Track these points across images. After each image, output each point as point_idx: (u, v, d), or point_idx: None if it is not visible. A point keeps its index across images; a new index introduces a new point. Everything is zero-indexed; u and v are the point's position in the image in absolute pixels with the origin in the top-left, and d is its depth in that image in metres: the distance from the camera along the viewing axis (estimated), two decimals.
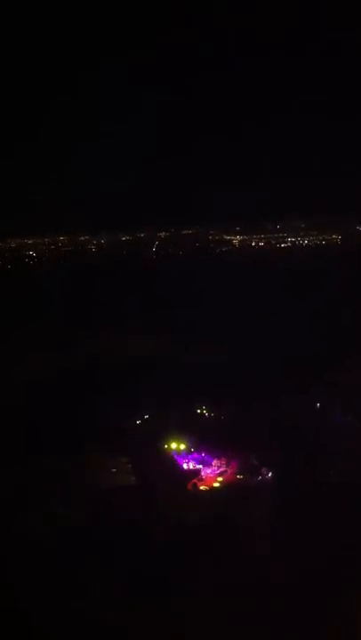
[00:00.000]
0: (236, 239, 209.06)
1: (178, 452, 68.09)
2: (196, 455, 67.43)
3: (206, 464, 66.57)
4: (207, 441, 68.28)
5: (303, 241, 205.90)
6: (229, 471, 65.27)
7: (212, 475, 65.17)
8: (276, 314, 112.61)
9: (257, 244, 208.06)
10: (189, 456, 67.55)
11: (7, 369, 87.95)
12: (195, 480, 63.88)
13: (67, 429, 67.27)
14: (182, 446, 68.40)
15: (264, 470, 63.42)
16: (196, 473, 64.97)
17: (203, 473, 65.30)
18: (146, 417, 74.35)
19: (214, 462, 66.50)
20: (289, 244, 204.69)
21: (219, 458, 66.51)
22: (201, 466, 66.28)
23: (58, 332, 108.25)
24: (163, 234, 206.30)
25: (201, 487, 62.84)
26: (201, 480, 64.14)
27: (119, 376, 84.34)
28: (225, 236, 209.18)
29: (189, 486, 62.35)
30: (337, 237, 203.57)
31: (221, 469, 65.68)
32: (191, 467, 66.11)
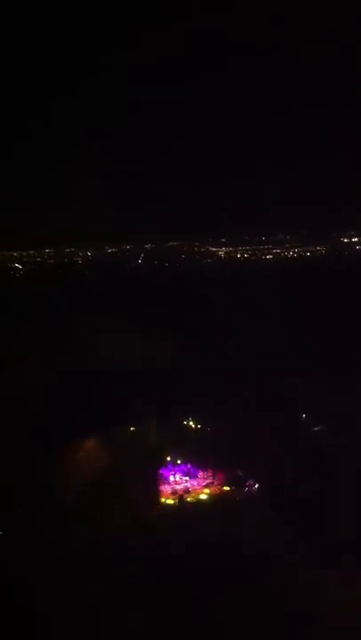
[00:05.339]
0: (222, 251, 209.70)
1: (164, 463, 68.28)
2: (182, 467, 67.65)
3: (193, 476, 66.86)
4: (194, 453, 68.69)
5: (288, 252, 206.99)
6: (215, 483, 65.69)
7: (199, 487, 65.52)
8: (263, 325, 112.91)
9: (242, 255, 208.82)
10: (175, 468, 67.76)
11: None
12: (181, 492, 64.34)
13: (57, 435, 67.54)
14: (168, 458, 68.63)
15: (250, 482, 63.90)
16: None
17: (189, 485, 65.67)
18: (132, 428, 74.45)
19: (200, 474, 66.86)
20: (274, 255, 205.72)
21: (205, 470, 66.91)
22: (187, 478, 66.58)
23: (43, 345, 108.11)
24: (148, 246, 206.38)
25: (188, 499, 63.26)
26: (188, 492, 64.57)
27: (104, 387, 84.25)
28: (210, 248, 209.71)
29: (176, 498, 62.82)
30: (321, 249, 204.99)
31: (207, 481, 66.09)
32: (178, 479, 66.54)
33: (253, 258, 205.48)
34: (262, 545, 48.23)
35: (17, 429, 70.40)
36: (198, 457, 67.95)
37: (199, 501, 62.90)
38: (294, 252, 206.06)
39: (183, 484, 66.14)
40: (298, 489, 57.78)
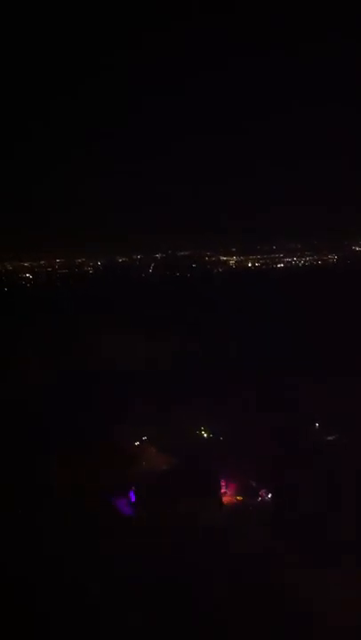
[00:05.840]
0: (233, 260, 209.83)
1: None
2: None
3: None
4: (207, 463, 68.71)
5: (299, 261, 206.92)
6: (228, 492, 65.65)
7: None
8: (272, 333, 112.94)
9: (253, 264, 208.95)
10: None
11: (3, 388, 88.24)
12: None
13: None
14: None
15: (263, 492, 63.89)
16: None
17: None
18: (144, 438, 74.48)
19: None
20: (285, 264, 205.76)
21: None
22: None
23: (54, 352, 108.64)
24: (159, 255, 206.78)
25: None
26: None
27: (115, 395, 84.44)
28: (221, 257, 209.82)
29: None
30: (333, 257, 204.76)
31: (221, 491, 66.06)
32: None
33: (264, 267, 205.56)
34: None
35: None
36: (212, 467, 68.01)
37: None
38: (305, 261, 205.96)
39: None
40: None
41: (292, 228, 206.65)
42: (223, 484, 66.53)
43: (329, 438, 71.58)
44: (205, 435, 77.22)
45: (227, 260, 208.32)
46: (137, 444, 72.93)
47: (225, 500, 64.68)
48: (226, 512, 60.04)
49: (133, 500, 60.43)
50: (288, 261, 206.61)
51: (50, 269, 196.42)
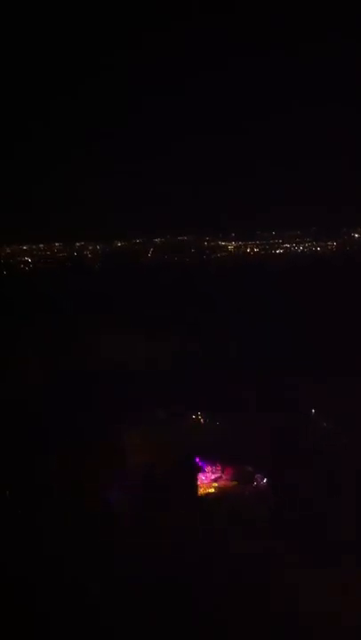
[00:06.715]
0: (232, 245, 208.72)
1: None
2: None
3: (200, 470, 66.91)
4: (202, 447, 68.69)
5: (298, 247, 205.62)
6: (224, 477, 65.77)
7: (207, 481, 65.62)
8: (271, 320, 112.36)
9: (252, 249, 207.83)
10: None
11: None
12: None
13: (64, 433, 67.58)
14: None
15: (259, 477, 63.99)
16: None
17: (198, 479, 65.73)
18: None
19: (208, 468, 66.88)
20: (285, 250, 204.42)
21: (213, 464, 66.93)
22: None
23: (53, 340, 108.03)
24: (158, 240, 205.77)
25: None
26: None
27: (113, 383, 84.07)
28: (220, 243, 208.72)
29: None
30: (332, 244, 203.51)
31: (216, 475, 66.15)
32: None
33: (263, 252, 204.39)
34: (262, 545, 48.43)
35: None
36: (207, 451, 67.99)
37: (208, 495, 63.21)
38: (305, 248, 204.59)
39: None
40: (298, 489, 57.86)
41: (292, 229, 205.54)
42: (219, 468, 66.72)
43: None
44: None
45: (225, 246, 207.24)
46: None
47: (221, 484, 64.87)
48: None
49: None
50: (287, 247, 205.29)
51: (48, 253, 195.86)
